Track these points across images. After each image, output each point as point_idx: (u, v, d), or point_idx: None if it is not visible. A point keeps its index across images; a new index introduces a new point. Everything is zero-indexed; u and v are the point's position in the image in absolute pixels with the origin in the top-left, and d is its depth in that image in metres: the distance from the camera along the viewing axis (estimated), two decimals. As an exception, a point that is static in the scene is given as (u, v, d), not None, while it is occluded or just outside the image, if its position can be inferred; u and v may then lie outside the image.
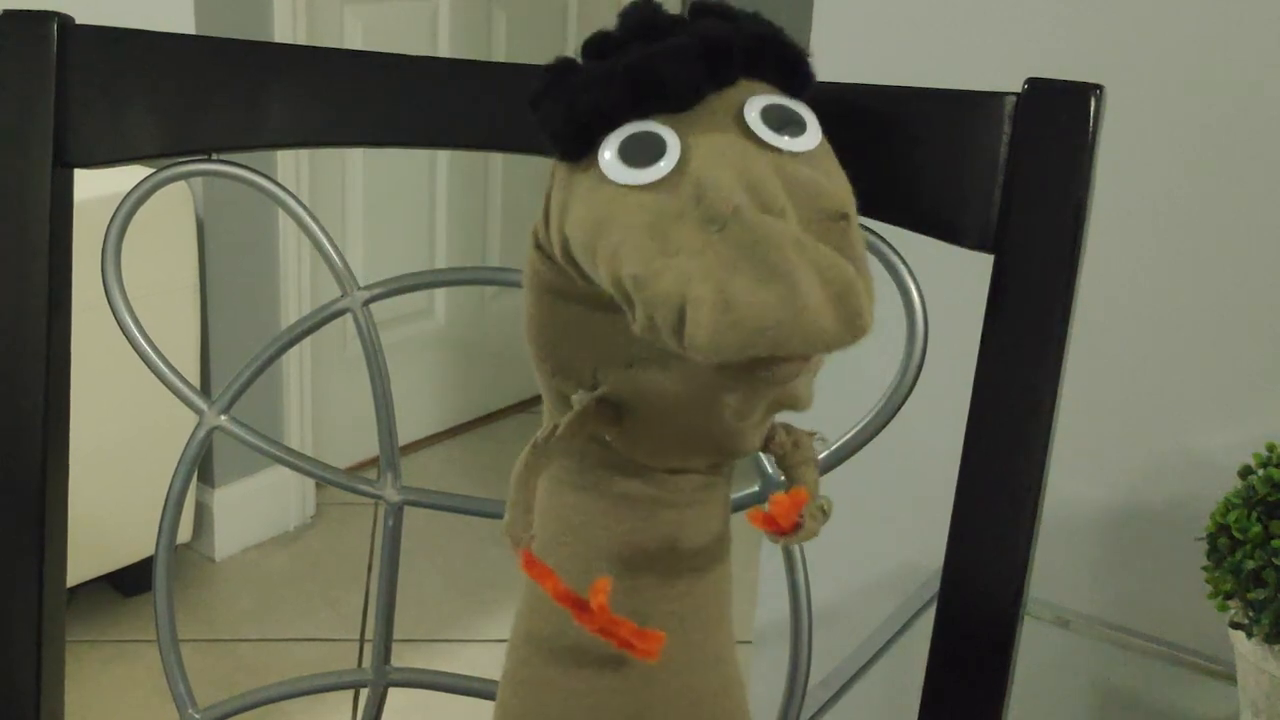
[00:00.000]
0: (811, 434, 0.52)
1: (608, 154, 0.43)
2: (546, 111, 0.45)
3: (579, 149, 0.44)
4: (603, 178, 0.43)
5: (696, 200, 0.41)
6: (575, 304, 0.47)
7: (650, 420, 0.47)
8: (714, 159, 0.42)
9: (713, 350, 0.38)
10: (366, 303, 0.69)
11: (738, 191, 0.41)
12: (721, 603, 0.52)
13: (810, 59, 0.47)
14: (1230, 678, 0.98)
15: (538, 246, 0.48)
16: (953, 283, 0.74)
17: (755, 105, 0.44)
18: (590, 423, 0.47)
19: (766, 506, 0.47)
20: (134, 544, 1.95)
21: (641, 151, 0.42)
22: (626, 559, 0.50)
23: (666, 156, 0.42)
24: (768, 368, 0.41)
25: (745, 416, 0.47)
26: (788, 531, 0.47)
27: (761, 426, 0.49)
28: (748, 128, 0.43)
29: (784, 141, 0.43)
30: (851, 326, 0.39)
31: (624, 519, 0.49)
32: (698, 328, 0.38)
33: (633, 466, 0.49)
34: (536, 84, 0.46)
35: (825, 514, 0.50)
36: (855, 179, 0.49)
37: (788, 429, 0.51)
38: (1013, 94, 0.54)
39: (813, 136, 0.44)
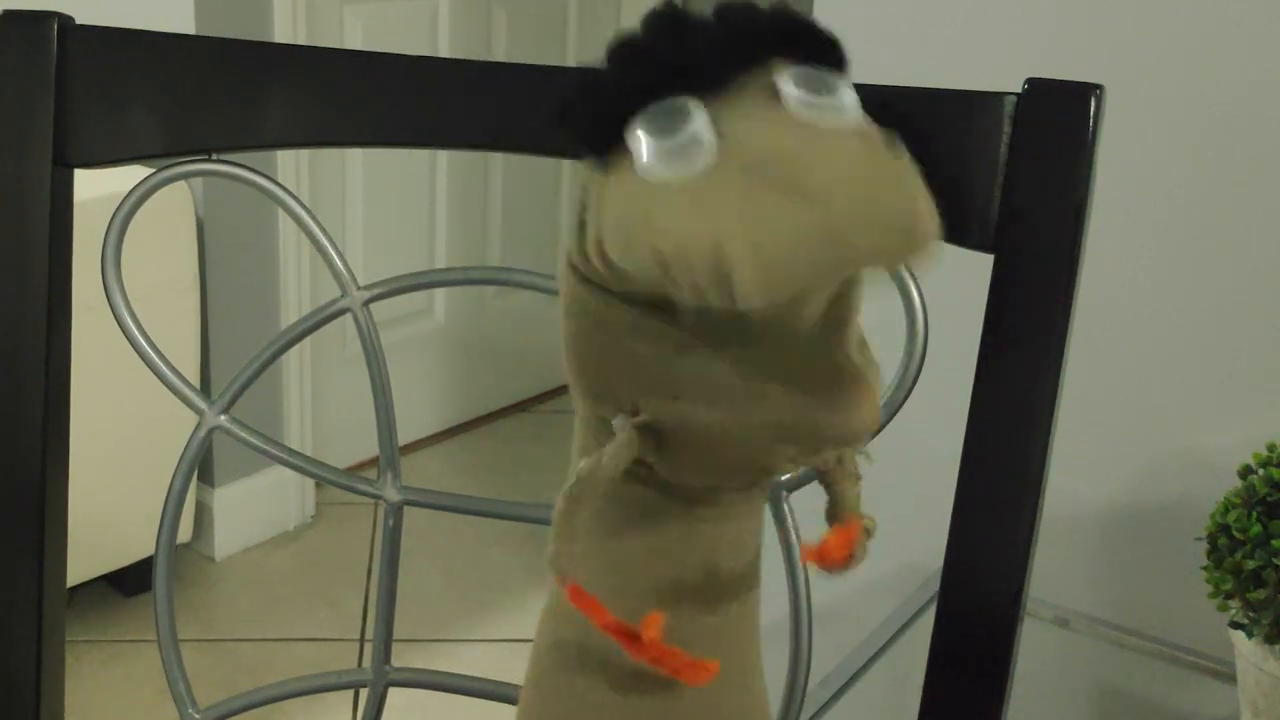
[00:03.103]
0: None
1: (639, 132, 0.41)
2: (574, 113, 0.43)
3: (608, 137, 0.42)
4: (636, 177, 0.41)
5: (738, 163, 0.39)
6: (619, 333, 0.45)
7: (693, 448, 0.46)
8: (750, 132, 0.40)
9: (763, 294, 0.37)
10: (366, 303, 0.69)
11: (779, 143, 0.39)
12: (754, 618, 0.52)
13: (843, 46, 0.44)
14: (1230, 678, 0.98)
15: (574, 269, 0.46)
16: (953, 283, 0.74)
17: (788, 74, 0.42)
18: (633, 453, 0.46)
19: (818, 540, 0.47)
20: (134, 544, 1.95)
21: (671, 125, 0.40)
22: (664, 577, 0.49)
23: (697, 128, 0.40)
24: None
25: (801, 461, 0.46)
26: (840, 566, 0.47)
27: None
28: (783, 101, 0.41)
29: (823, 112, 0.41)
30: (907, 236, 0.37)
31: (661, 535, 0.48)
32: (741, 283, 0.37)
33: (669, 484, 0.47)
34: (565, 97, 0.44)
35: (869, 533, 0.49)
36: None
37: None
38: (1013, 94, 0.54)
39: (848, 99, 0.42)
